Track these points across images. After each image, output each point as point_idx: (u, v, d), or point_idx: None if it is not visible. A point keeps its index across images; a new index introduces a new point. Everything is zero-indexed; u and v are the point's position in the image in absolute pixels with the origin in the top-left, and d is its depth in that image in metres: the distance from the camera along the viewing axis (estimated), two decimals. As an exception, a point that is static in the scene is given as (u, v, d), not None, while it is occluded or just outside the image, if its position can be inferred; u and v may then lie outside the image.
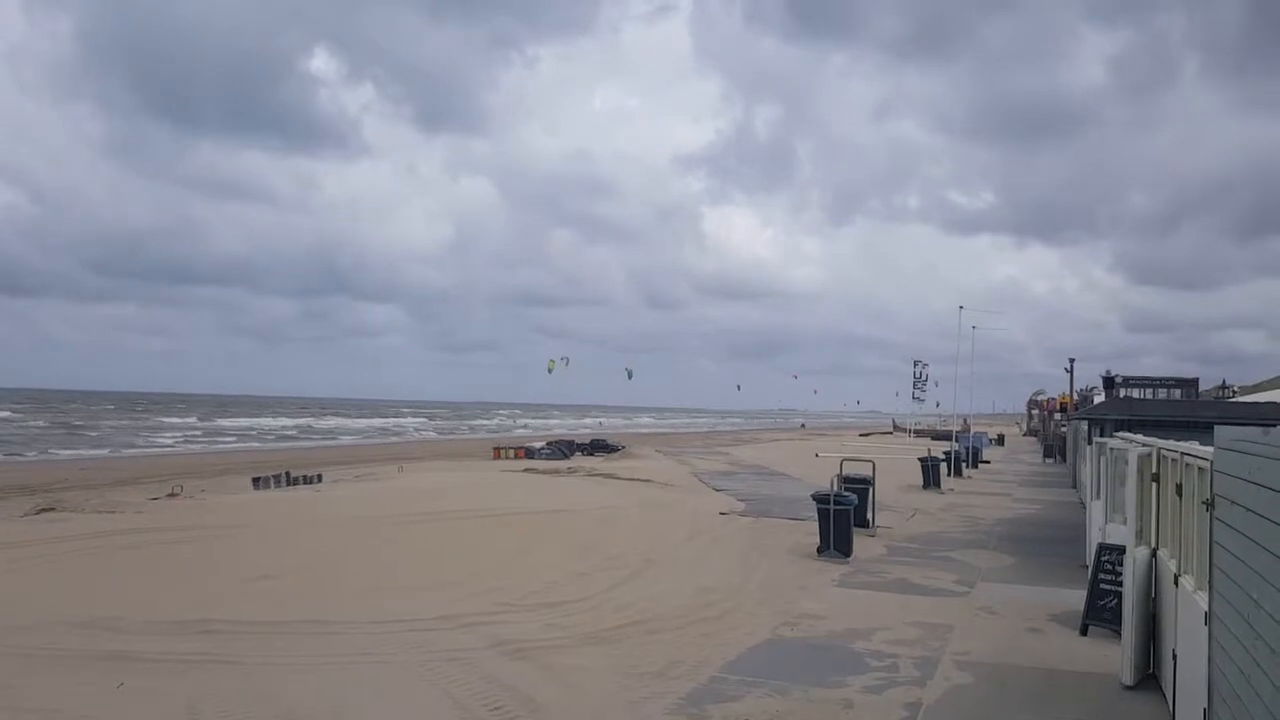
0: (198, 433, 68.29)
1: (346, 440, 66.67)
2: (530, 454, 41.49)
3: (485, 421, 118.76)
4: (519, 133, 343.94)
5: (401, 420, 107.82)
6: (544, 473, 28.78)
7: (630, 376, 62.18)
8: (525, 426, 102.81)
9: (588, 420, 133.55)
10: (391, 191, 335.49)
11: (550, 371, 54.55)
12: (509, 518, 17.00)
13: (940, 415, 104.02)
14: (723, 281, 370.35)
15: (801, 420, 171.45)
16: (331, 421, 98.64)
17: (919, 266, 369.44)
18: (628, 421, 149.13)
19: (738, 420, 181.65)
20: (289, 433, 73.55)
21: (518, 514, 17.51)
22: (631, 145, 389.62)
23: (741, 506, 19.67)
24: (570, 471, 29.45)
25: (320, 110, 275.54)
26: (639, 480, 25.87)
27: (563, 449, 42.96)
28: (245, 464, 34.75)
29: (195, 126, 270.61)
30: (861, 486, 15.94)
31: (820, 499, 13.60)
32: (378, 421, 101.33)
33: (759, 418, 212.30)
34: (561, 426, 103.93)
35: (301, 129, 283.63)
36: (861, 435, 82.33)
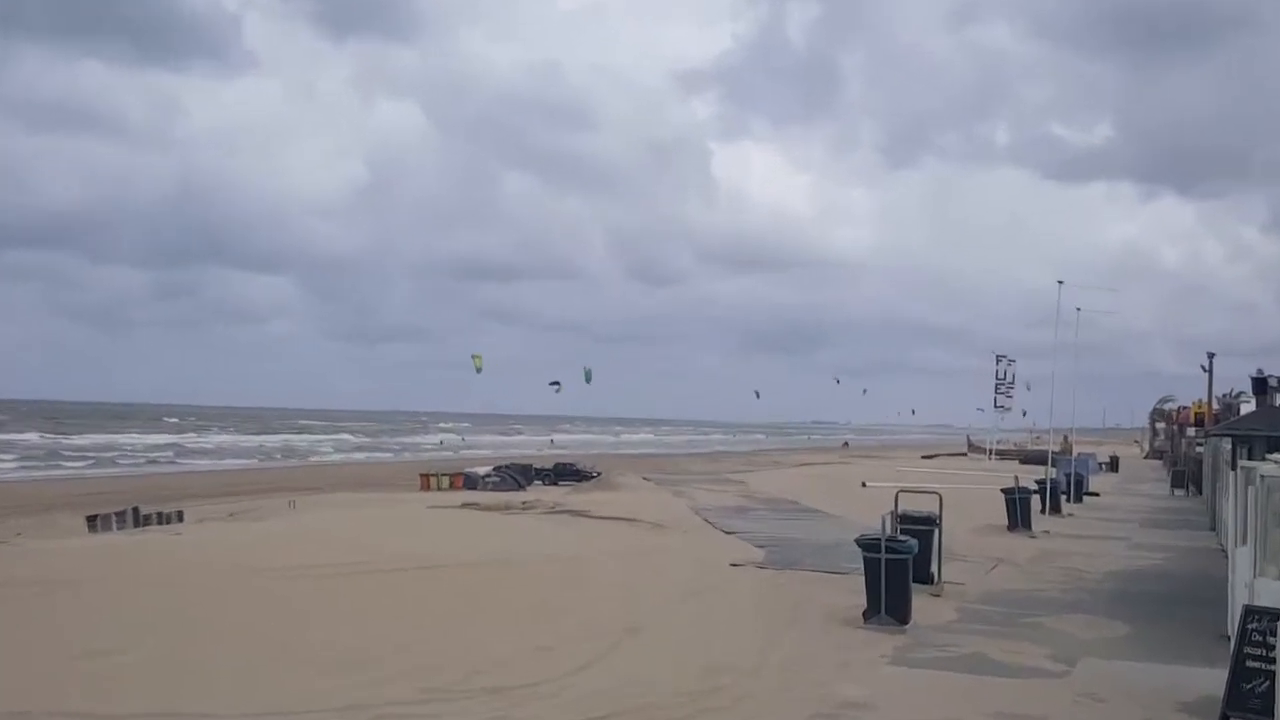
0: (40, 452, 69.19)
1: (227, 464, 66.61)
2: (471, 483, 41.65)
3: (417, 438, 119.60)
4: (459, 39, 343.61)
5: (308, 437, 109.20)
6: (489, 509, 29.09)
7: (589, 379, 62.34)
8: (469, 444, 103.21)
9: (558, 436, 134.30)
10: (283, 119, 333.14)
11: (479, 370, 54.77)
12: (442, 571, 17.09)
13: (1032, 430, 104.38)
14: (738, 247, 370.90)
15: (845, 437, 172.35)
16: (218, 438, 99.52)
17: (1006, 226, 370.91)
18: (614, 438, 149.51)
19: (757, 437, 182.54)
20: (162, 453, 74.69)
21: (454, 566, 17.61)
22: (614, 57, 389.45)
23: (760, 555, 19.84)
24: (526, 507, 29.70)
25: (186, 7, 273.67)
26: (620, 519, 26.04)
27: (515, 476, 43.04)
28: (83, 496, 34.62)
29: (11, 28, 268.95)
30: (924, 528, 15.99)
31: (868, 545, 13.64)
32: (274, 439, 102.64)
33: (785, 433, 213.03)
34: (525, 445, 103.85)
35: (160, 33, 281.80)
36: (925, 457, 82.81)
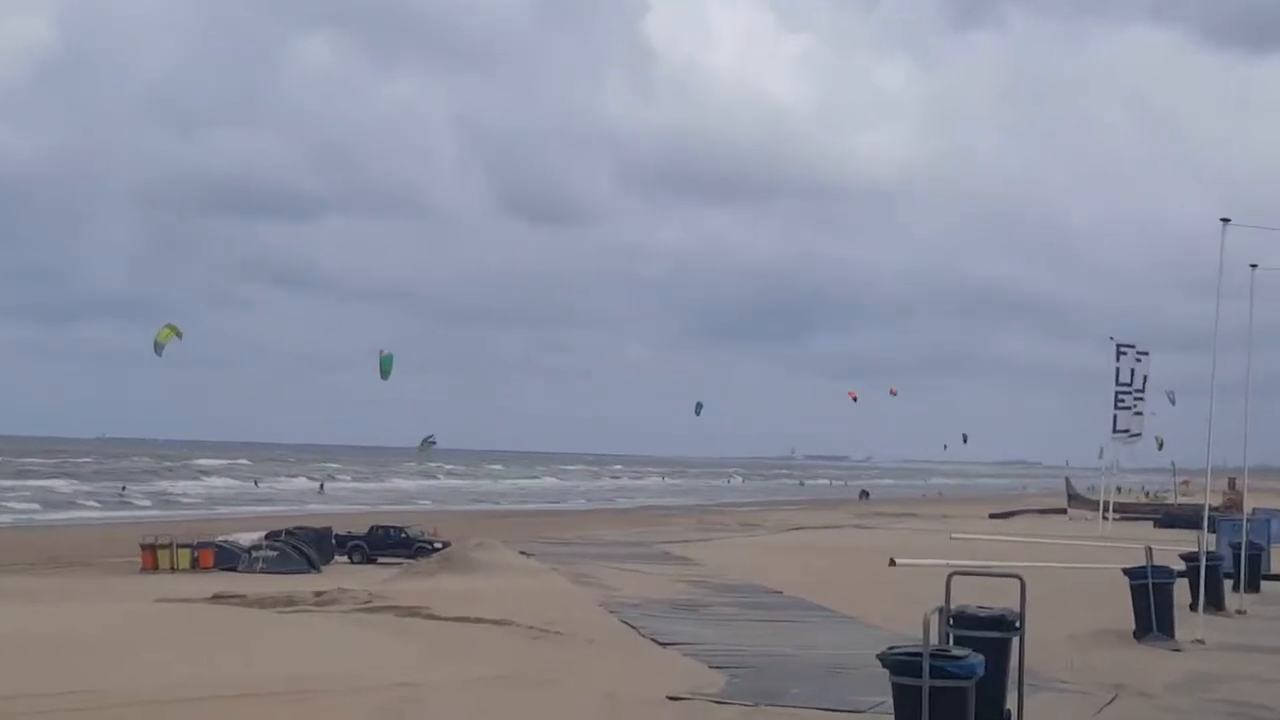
0: None
1: None
2: (229, 560, 41.53)
3: (165, 484, 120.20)
4: None
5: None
6: (259, 604, 29.21)
7: (386, 372, 62.59)
8: (259, 494, 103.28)
9: (396, 484, 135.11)
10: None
11: (159, 348, 54.31)
12: (171, 713, 16.97)
13: (1176, 471, 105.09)
14: (688, 163, 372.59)
15: (863, 482, 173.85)
16: None
17: (1138, 125, 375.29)
18: (488, 484, 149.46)
19: (715, 483, 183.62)
20: None
21: (193, 703, 17.55)
22: None
23: (719, 682, 19.81)
24: (322, 602, 29.86)
25: None
26: (482, 622, 26.00)
27: (303, 549, 42.67)
28: None
29: None
30: (994, 634, 15.90)
31: (900, 663, 13.49)
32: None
33: (765, 474, 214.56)
34: (342, 495, 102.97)
35: None
36: (995, 515, 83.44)
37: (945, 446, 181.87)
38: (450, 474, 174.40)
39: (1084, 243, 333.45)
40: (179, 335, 56.33)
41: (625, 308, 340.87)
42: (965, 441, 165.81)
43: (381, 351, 64.89)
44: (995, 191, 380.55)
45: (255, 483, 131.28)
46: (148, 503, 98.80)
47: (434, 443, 73.55)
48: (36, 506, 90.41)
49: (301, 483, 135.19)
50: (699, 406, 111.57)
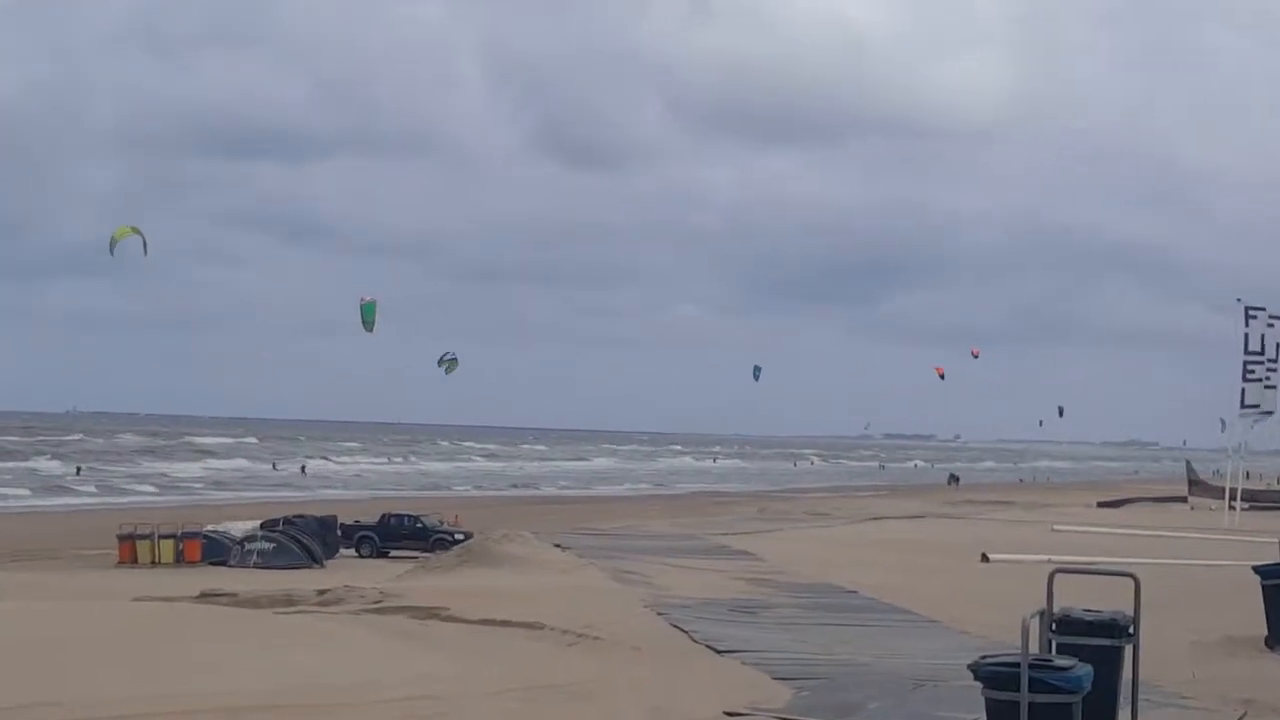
0: None
1: None
2: (218, 552, 42.44)
3: (163, 465, 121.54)
4: None
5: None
6: (253, 604, 29.34)
7: (369, 323, 62.44)
8: (280, 478, 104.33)
9: (423, 465, 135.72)
10: None
11: (113, 246, 53.75)
12: None
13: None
14: (749, 99, 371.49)
15: (951, 465, 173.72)
16: None
17: (1264, 53, 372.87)
18: (521, 466, 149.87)
19: (781, 466, 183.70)
20: None
21: (173, 717, 17.54)
22: None
23: (784, 695, 19.81)
24: (325, 601, 29.96)
25: None
26: (511, 625, 26.02)
27: (303, 541, 42.68)
28: None
29: None
30: (1104, 641, 15.84)
31: (994, 676, 13.45)
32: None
33: (841, 454, 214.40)
34: (353, 477, 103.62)
35: None
36: (1104, 505, 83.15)
37: (1041, 423, 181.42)
38: (487, 455, 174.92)
39: (1204, 188, 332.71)
40: (143, 239, 54.86)
41: (676, 264, 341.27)
42: (1061, 415, 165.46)
43: (363, 299, 64.18)
44: (1102, 129, 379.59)
45: (274, 465, 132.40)
46: (150, 488, 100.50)
47: (454, 358, 74.40)
48: (26, 491, 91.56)
49: (321, 464, 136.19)
50: (757, 370, 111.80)
